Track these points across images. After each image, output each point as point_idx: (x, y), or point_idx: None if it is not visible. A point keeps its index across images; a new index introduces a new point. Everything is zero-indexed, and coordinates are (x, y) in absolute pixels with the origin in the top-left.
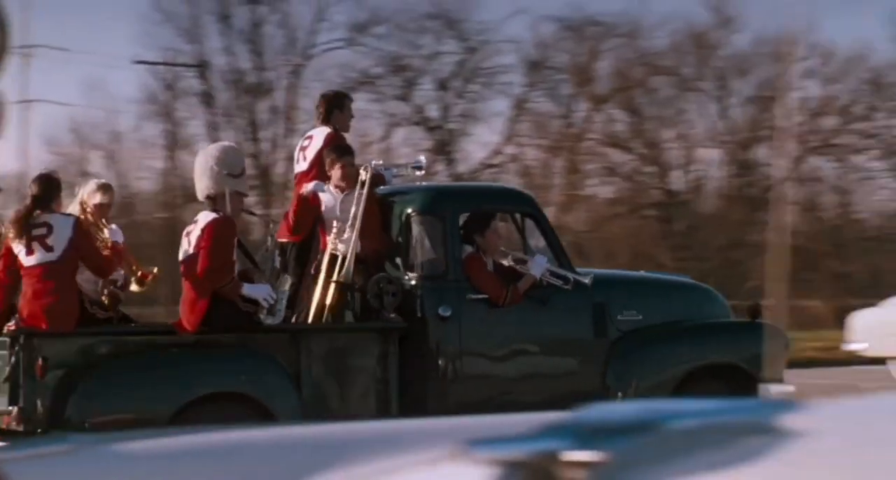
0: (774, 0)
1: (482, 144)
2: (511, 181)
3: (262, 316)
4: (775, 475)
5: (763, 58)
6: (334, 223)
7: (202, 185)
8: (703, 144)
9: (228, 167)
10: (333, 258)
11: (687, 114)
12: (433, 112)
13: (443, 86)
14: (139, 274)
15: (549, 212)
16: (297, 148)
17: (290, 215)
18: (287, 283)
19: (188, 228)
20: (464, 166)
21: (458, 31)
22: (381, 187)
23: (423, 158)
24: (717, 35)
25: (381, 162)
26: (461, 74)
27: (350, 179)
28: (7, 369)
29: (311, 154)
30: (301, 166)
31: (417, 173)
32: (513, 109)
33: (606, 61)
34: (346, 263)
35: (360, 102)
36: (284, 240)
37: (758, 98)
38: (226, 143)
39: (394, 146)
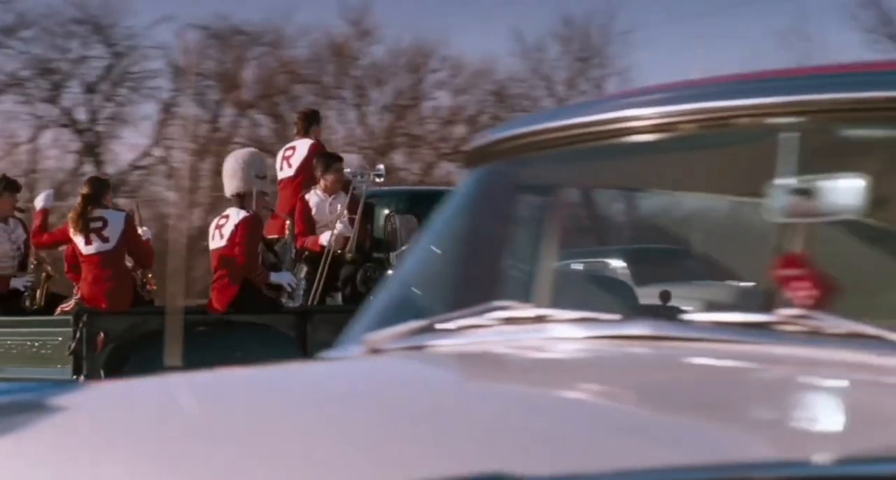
0: (409, 15)
1: (131, 146)
2: (159, 183)
3: (284, 300)
4: (34, 445)
5: (398, 68)
6: (338, 222)
7: (232, 185)
8: (343, 150)
9: (256, 169)
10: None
11: (327, 121)
12: (81, 115)
13: (91, 89)
14: (149, 276)
15: (198, 213)
16: (280, 157)
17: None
18: (303, 271)
19: (218, 222)
20: (112, 167)
21: (106, 36)
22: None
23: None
24: (356, 46)
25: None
26: (109, 78)
27: (341, 183)
28: (71, 343)
29: (296, 162)
30: (287, 172)
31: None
32: (161, 113)
33: (251, 69)
34: (350, 242)
35: (8, 104)
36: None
37: (394, 106)
38: (253, 149)
39: (42, 148)
